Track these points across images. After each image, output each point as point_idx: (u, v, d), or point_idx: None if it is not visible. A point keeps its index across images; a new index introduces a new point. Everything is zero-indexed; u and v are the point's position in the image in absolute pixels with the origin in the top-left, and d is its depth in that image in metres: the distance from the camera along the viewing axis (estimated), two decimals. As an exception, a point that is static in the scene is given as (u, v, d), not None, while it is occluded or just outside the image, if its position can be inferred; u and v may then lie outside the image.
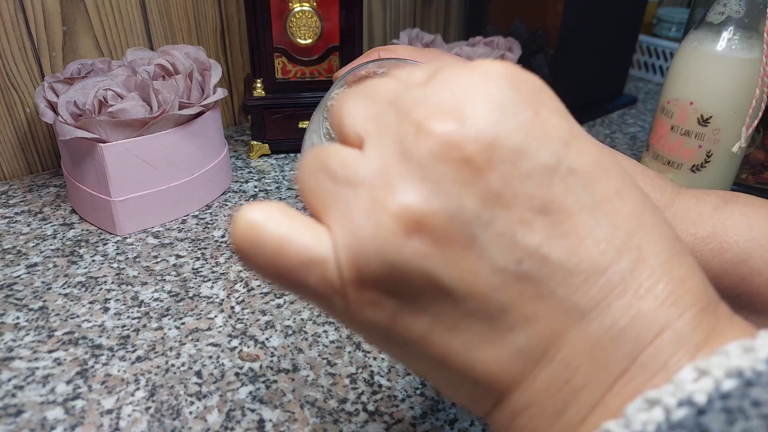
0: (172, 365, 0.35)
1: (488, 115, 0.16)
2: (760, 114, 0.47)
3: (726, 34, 0.46)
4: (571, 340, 0.16)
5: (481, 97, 0.16)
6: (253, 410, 0.32)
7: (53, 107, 0.46)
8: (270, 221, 0.17)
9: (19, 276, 0.42)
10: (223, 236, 0.48)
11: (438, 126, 0.16)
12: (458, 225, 0.16)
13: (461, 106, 0.16)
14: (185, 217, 0.50)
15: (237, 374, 0.35)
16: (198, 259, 0.45)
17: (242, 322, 0.39)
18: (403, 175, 0.16)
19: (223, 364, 0.35)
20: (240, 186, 0.56)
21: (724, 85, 0.47)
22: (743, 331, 0.16)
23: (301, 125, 0.61)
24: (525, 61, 0.69)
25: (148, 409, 0.32)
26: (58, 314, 0.39)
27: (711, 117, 0.48)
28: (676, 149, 0.50)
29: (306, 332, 0.38)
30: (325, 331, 0.38)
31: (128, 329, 0.38)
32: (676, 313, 0.16)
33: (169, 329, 0.38)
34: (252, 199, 0.54)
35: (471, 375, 0.17)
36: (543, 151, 0.16)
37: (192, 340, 0.37)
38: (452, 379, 0.18)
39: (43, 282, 0.42)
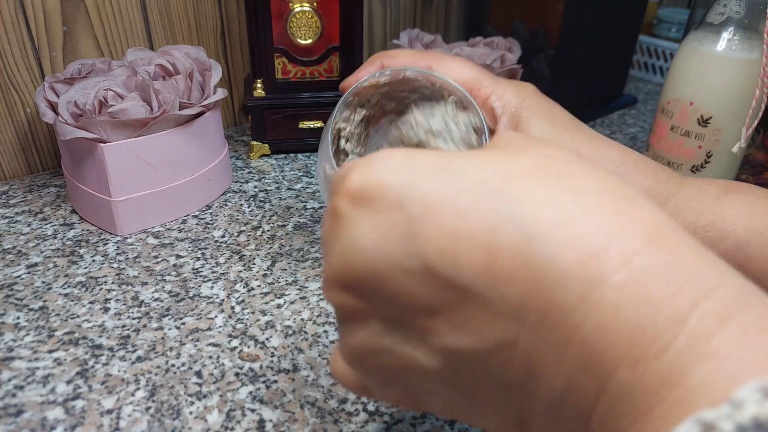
0: (173, 365, 0.35)
1: (339, 258, 0.18)
2: (760, 114, 0.47)
3: (726, 35, 0.46)
4: (533, 411, 0.16)
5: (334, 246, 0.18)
6: (253, 410, 0.32)
7: (53, 107, 0.46)
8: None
9: (19, 276, 0.42)
10: (223, 236, 0.48)
11: (330, 264, 0.18)
12: (384, 352, 0.18)
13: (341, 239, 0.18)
14: (185, 218, 0.50)
15: (237, 374, 0.35)
16: (198, 259, 0.45)
17: (242, 323, 0.39)
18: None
19: (223, 364, 0.35)
20: (240, 186, 0.56)
21: (724, 86, 0.47)
22: (728, 360, 0.13)
23: (301, 125, 0.61)
24: (525, 62, 0.69)
25: (148, 409, 0.32)
26: (58, 314, 0.39)
27: (711, 117, 0.48)
28: (676, 149, 0.51)
29: (306, 332, 0.38)
30: (325, 331, 0.38)
31: (128, 329, 0.38)
32: (604, 374, 0.14)
33: (170, 329, 0.38)
34: (252, 199, 0.54)
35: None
36: (390, 266, 0.17)
37: (192, 340, 0.37)
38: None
39: (43, 282, 0.42)
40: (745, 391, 0.11)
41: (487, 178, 0.16)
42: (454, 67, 0.33)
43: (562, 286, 0.14)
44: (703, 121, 0.48)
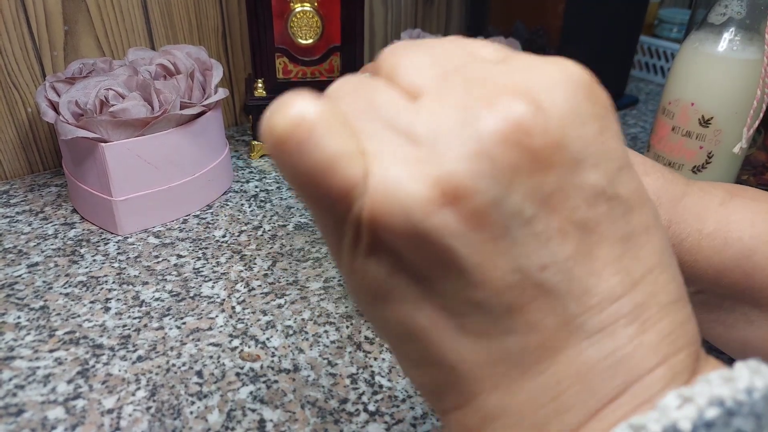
0: (173, 365, 0.35)
1: (564, 112, 0.15)
2: (761, 115, 0.47)
3: (727, 35, 0.46)
4: (566, 359, 0.16)
5: (560, 92, 0.15)
6: (253, 410, 0.32)
7: (55, 107, 0.46)
8: (326, 128, 0.15)
9: (20, 275, 0.42)
10: (224, 236, 0.48)
11: (512, 105, 0.15)
12: (498, 212, 0.15)
13: (539, 93, 0.15)
14: (186, 217, 0.50)
15: (238, 374, 0.35)
16: (199, 258, 0.45)
17: (243, 322, 0.39)
18: (459, 142, 0.15)
19: (223, 364, 0.35)
20: (241, 186, 0.56)
21: (725, 86, 0.47)
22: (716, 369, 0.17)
23: (302, 125, 0.61)
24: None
25: (148, 408, 0.32)
26: (59, 314, 0.39)
27: (712, 118, 0.48)
28: (677, 150, 0.50)
29: (307, 332, 0.38)
30: (326, 331, 0.38)
31: (129, 329, 0.38)
32: (673, 350, 0.16)
33: (170, 329, 0.38)
34: (253, 199, 0.54)
35: (449, 359, 0.16)
36: (599, 169, 0.16)
37: (193, 339, 0.37)
38: (425, 355, 0.17)
39: (44, 281, 0.42)
40: (669, 398, 0.14)
41: None
42: None
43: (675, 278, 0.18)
44: (705, 122, 0.48)
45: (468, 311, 0.16)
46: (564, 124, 0.15)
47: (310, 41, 0.57)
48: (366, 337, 0.38)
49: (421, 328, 0.16)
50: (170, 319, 0.39)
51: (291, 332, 0.38)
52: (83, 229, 0.48)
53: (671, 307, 0.16)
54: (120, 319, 0.39)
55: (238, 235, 0.48)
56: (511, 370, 0.16)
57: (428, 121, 0.15)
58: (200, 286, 0.42)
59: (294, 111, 0.16)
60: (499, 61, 0.16)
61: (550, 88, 0.15)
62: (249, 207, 0.52)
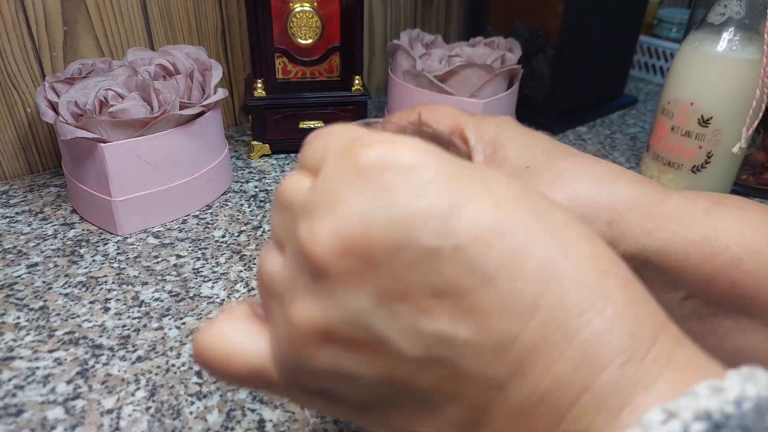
0: (173, 365, 0.35)
1: (358, 220, 0.16)
2: (760, 115, 0.47)
3: (726, 35, 0.46)
4: (499, 409, 0.16)
5: (350, 199, 0.16)
6: (253, 410, 0.32)
7: (54, 107, 0.46)
8: (217, 342, 0.20)
9: (19, 276, 0.42)
10: (223, 236, 0.48)
11: (315, 243, 0.16)
12: (361, 328, 0.16)
13: (333, 212, 0.16)
14: (186, 217, 0.50)
15: (237, 374, 0.35)
16: (198, 259, 0.45)
17: (242, 322, 0.39)
18: (303, 289, 0.17)
19: (223, 364, 0.35)
20: (240, 186, 0.56)
21: (724, 86, 0.47)
22: (686, 373, 0.15)
23: (301, 125, 0.61)
24: (525, 62, 0.69)
25: (148, 409, 0.32)
26: (58, 314, 0.39)
27: (711, 118, 0.48)
28: (676, 150, 0.50)
29: (306, 332, 0.38)
30: (325, 332, 0.38)
31: (129, 329, 0.38)
32: (593, 372, 0.15)
33: (170, 329, 0.38)
34: (252, 199, 0.54)
35: None
36: (421, 237, 0.15)
37: (192, 340, 0.37)
38: None
39: (43, 282, 0.42)
40: (653, 414, 0.14)
41: (516, 184, 0.18)
42: (439, 111, 0.33)
43: (576, 290, 0.16)
44: (704, 122, 0.48)
45: (401, 406, 0.17)
46: (363, 228, 0.16)
47: (309, 41, 0.57)
48: (365, 337, 0.38)
49: (386, 429, 0.19)
50: (170, 319, 0.39)
51: (290, 332, 0.38)
52: (83, 230, 0.48)
53: (580, 320, 0.16)
54: (119, 319, 0.39)
55: (238, 235, 0.48)
56: (467, 431, 0.17)
57: (286, 276, 0.18)
58: (200, 286, 0.42)
59: (195, 350, 0.20)
60: (312, 186, 0.18)
61: (343, 201, 0.16)
62: (248, 207, 0.52)
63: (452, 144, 0.32)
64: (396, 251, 0.16)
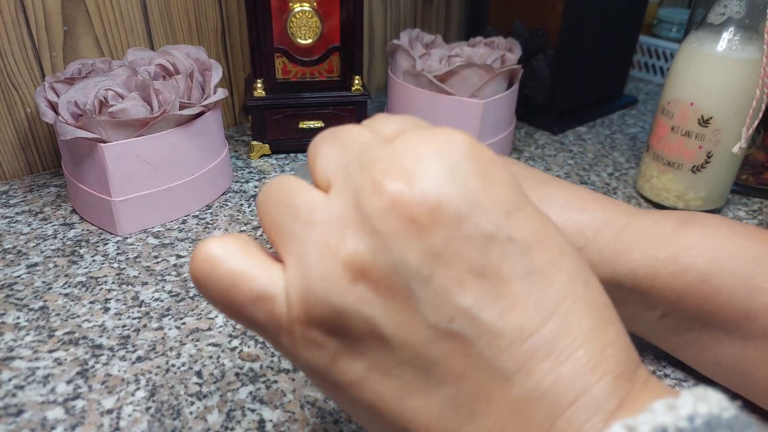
0: (173, 365, 0.35)
1: (437, 179, 0.17)
2: (760, 115, 0.47)
3: (726, 35, 0.46)
4: (497, 400, 0.17)
5: (434, 162, 0.17)
6: (253, 410, 0.32)
7: (54, 107, 0.46)
8: (227, 255, 0.19)
9: (19, 276, 0.42)
10: (223, 236, 0.48)
11: (390, 185, 0.17)
12: (399, 278, 0.17)
13: (415, 168, 0.17)
14: (186, 217, 0.50)
15: (237, 374, 0.35)
16: (198, 259, 0.45)
17: (242, 322, 0.39)
18: (356, 225, 0.17)
19: (223, 364, 0.35)
20: (240, 186, 0.56)
21: (724, 86, 0.47)
22: (657, 393, 0.17)
23: (301, 125, 0.61)
24: (525, 62, 0.69)
25: (148, 409, 0.32)
26: (58, 314, 0.39)
27: (711, 118, 0.48)
28: (676, 150, 0.50)
29: (306, 332, 0.38)
30: (325, 332, 0.38)
31: (129, 329, 0.38)
32: (593, 378, 0.17)
33: (170, 329, 0.38)
34: (252, 199, 0.54)
35: (401, 422, 0.18)
36: (484, 218, 0.17)
37: (192, 340, 0.37)
38: (384, 425, 0.19)
39: (43, 282, 0.42)
40: (614, 429, 0.15)
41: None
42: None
43: (589, 309, 0.18)
44: (704, 122, 0.48)
45: (402, 372, 0.18)
46: (439, 188, 0.17)
47: (309, 41, 0.57)
48: (365, 337, 0.38)
49: (373, 402, 0.18)
50: (170, 319, 0.39)
51: (290, 332, 0.38)
52: (82, 230, 0.48)
53: (589, 334, 0.17)
54: (119, 319, 0.39)
55: (238, 236, 0.48)
56: (455, 418, 0.18)
57: (334, 210, 0.18)
58: (200, 286, 0.42)
59: (198, 256, 0.19)
60: (391, 141, 0.19)
61: (425, 159, 0.17)
62: (248, 207, 0.52)
63: None
64: (460, 221, 0.17)
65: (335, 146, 0.20)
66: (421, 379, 0.18)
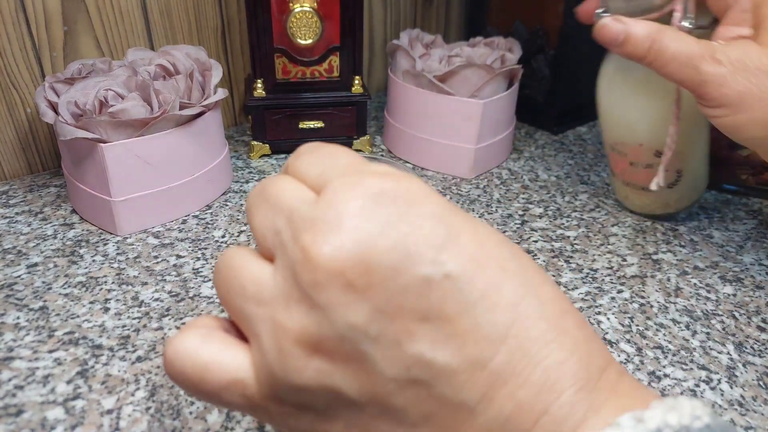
0: (173, 365, 0.35)
1: (363, 238, 0.17)
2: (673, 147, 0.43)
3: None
4: (466, 431, 0.17)
5: (356, 219, 0.17)
6: (253, 410, 0.32)
7: (54, 107, 0.46)
8: (192, 349, 0.19)
9: (19, 276, 0.42)
10: (223, 236, 0.48)
11: (319, 255, 0.17)
12: (349, 344, 0.17)
13: (340, 229, 0.17)
14: (186, 217, 0.50)
15: (237, 374, 0.35)
16: (198, 259, 0.45)
17: (242, 323, 0.39)
18: (298, 299, 0.17)
19: (223, 365, 0.35)
20: (240, 186, 0.56)
21: (665, 114, 0.43)
22: (626, 401, 0.17)
23: (301, 125, 0.61)
24: (525, 62, 0.69)
25: (148, 409, 0.32)
26: (58, 314, 0.39)
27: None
28: (643, 177, 0.48)
29: (306, 332, 0.38)
30: (325, 332, 0.38)
31: (128, 329, 0.38)
32: (552, 397, 0.17)
33: (170, 329, 0.38)
34: (252, 199, 0.54)
35: None
36: (418, 263, 0.17)
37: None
38: None
39: (43, 282, 0.42)
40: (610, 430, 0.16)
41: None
42: None
43: (541, 324, 0.18)
44: (661, 153, 0.45)
45: (378, 424, 0.18)
46: (367, 248, 0.17)
47: (309, 41, 0.57)
48: (365, 337, 0.38)
49: None
50: (170, 319, 0.39)
51: (290, 332, 0.38)
52: (82, 230, 0.48)
53: (542, 351, 0.17)
54: (119, 319, 0.39)
55: (238, 236, 0.48)
56: None
57: (278, 284, 0.18)
58: (200, 286, 0.42)
59: (167, 356, 0.20)
60: (319, 189, 0.19)
61: (350, 217, 0.17)
62: (248, 207, 0.52)
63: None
64: (394, 274, 0.17)
65: (266, 210, 0.20)
66: (396, 425, 0.18)
